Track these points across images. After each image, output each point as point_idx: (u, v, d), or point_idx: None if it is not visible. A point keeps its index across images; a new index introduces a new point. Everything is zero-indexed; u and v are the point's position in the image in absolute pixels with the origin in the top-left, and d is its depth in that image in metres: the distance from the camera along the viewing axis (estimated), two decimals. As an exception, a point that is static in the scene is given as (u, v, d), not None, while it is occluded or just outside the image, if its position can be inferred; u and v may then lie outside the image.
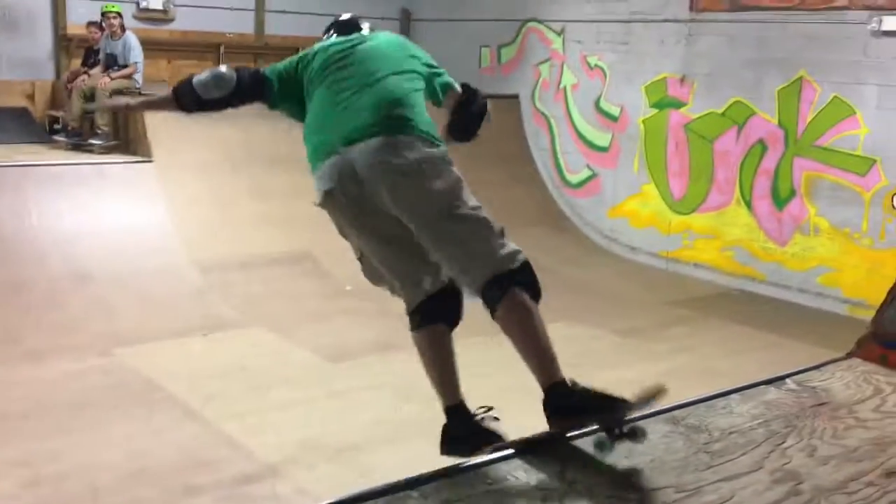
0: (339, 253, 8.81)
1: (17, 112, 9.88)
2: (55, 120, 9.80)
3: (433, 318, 3.25)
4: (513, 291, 2.90)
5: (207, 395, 5.81)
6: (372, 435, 5.27)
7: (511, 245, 3.01)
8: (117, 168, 8.51)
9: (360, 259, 3.42)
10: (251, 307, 7.68)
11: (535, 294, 2.99)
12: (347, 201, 3.14)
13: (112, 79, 8.84)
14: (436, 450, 4.96)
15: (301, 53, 3.54)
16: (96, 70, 9.18)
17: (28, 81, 10.08)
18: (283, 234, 8.89)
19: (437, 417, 5.62)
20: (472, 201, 3.09)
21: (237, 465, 4.84)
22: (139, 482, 4.63)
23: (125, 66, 8.93)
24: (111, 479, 4.62)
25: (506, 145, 11.44)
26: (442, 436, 3.30)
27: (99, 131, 8.86)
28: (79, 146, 8.97)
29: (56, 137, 9.28)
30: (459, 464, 2.41)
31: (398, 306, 8.09)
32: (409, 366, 6.52)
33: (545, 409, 2.80)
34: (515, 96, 11.78)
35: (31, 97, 10.11)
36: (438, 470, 2.33)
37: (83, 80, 9.07)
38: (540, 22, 11.48)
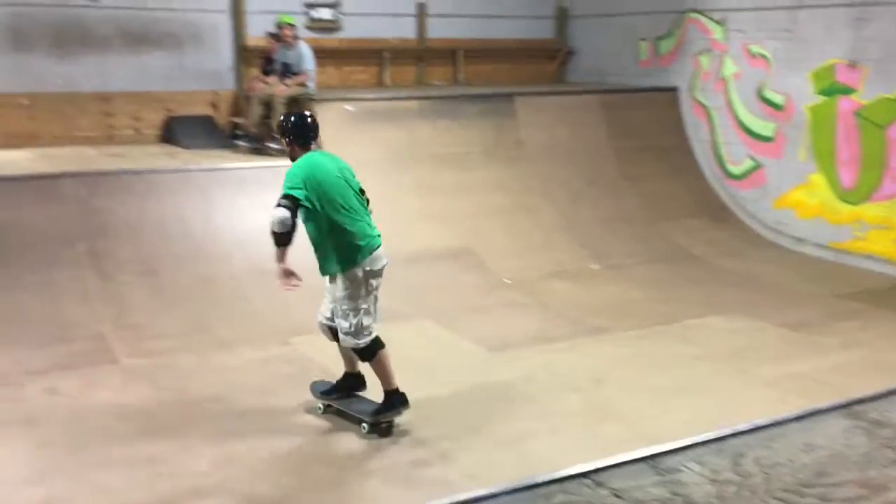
0: (497, 248, 9.16)
1: (202, 119, 10.67)
2: (236, 126, 10.52)
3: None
4: None
5: (374, 384, 6.11)
6: (535, 424, 5.44)
7: None
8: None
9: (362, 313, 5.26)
10: (417, 300, 8.00)
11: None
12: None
13: (287, 86, 9.41)
14: (600, 440, 5.11)
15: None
16: (273, 78, 9.79)
17: (211, 91, 10.88)
18: (446, 230, 9.21)
19: (598, 408, 5.74)
20: None
21: (408, 450, 5.12)
22: (319, 464, 4.98)
23: (299, 74, 9.47)
24: (295, 461, 5.01)
25: (665, 138, 11.34)
26: (394, 404, 5.36)
27: (276, 135, 9.44)
28: (258, 150, 9.60)
29: (237, 142, 9.96)
30: (632, 454, 2.53)
31: (555, 300, 8.26)
32: (569, 356, 6.71)
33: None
34: (674, 88, 11.64)
35: (214, 105, 10.89)
36: (610, 460, 2.45)
37: (261, 88, 9.71)
38: (699, 12, 11.28)
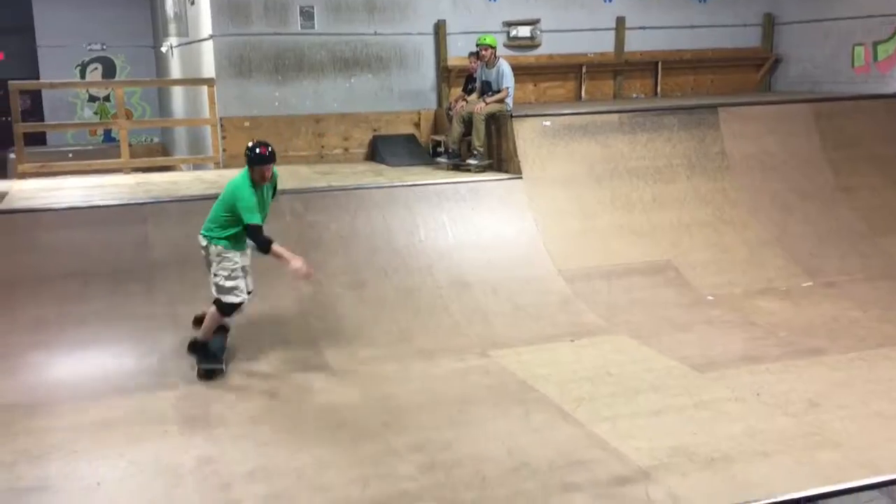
0: (699, 263, 8.89)
1: (405, 138, 11.10)
2: (438, 143, 10.85)
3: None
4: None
5: (578, 398, 6.13)
6: (744, 446, 5.24)
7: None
8: (491, 185, 9.23)
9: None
10: (615, 315, 7.93)
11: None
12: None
13: (487, 104, 9.61)
14: (810, 465, 4.83)
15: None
16: (473, 96, 10.03)
17: (415, 111, 11.30)
18: (645, 244, 9.05)
19: (814, 433, 5.44)
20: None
21: (611, 466, 5.07)
22: (521, 476, 5.02)
23: (498, 92, 9.65)
24: (496, 471, 5.07)
25: (883, 147, 10.59)
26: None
27: (475, 152, 9.67)
28: (458, 166, 9.86)
29: (438, 159, 10.27)
30: (862, 481, 2.39)
31: (762, 318, 7.94)
32: (780, 378, 6.40)
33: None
34: (895, 95, 10.84)
35: (416, 124, 11.31)
36: (838, 485, 2.32)
37: (461, 106, 9.96)
38: (923, 13, 10.49)
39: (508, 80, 9.65)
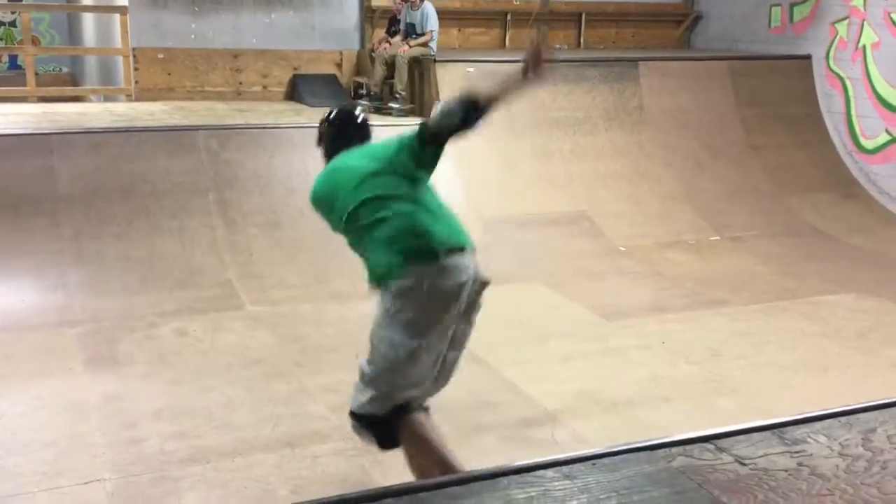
0: (613, 214, 9.05)
1: (327, 78, 10.89)
2: (360, 86, 10.68)
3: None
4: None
5: (489, 343, 6.16)
6: (647, 392, 5.43)
7: None
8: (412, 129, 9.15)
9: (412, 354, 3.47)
10: (530, 263, 8.03)
11: None
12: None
13: (410, 46, 9.49)
14: (709, 410, 5.03)
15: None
16: (396, 39, 9.89)
17: (337, 51, 11.08)
18: (562, 195, 9.17)
19: (713, 380, 5.66)
20: None
21: (519, 409, 5.20)
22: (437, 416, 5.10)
23: (423, 35, 9.54)
24: (408, 411, 5.15)
25: (793, 107, 10.91)
26: None
27: (397, 95, 9.58)
28: (380, 109, 9.75)
29: (360, 101, 10.14)
30: (757, 423, 2.48)
31: (671, 269, 8.15)
32: (684, 327, 6.62)
33: None
34: (808, 57, 11.15)
35: (339, 65, 11.09)
36: (734, 426, 2.41)
37: (385, 48, 9.82)
38: (839, -23, 10.76)
39: (433, 23, 9.55)
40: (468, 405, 5.21)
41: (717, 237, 9.09)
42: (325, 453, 4.60)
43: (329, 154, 4.04)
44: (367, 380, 3.56)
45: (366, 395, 3.54)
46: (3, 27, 16.18)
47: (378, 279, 3.54)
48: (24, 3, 15.53)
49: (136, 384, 5.42)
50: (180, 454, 4.51)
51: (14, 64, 15.85)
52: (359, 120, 4.19)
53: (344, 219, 3.68)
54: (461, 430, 4.89)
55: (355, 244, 3.74)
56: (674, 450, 2.34)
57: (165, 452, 4.55)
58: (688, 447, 2.35)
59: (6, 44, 16.00)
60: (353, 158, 3.82)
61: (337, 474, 4.40)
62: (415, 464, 3.54)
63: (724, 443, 2.33)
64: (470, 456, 4.55)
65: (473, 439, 4.81)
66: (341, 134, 4.06)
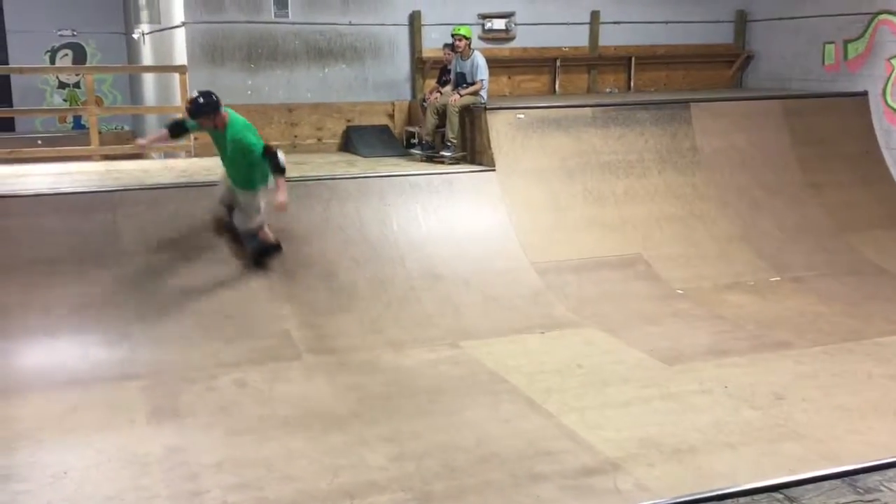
0: (669, 257, 8.96)
1: (379, 129, 11.06)
2: (412, 135, 10.83)
3: None
4: None
5: (547, 389, 6.17)
6: (711, 438, 5.30)
7: None
8: (464, 176, 9.23)
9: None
10: (585, 307, 7.98)
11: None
12: None
13: (461, 95, 9.60)
14: (775, 456, 4.89)
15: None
16: (447, 88, 10.01)
17: (389, 102, 11.27)
18: (616, 238, 9.12)
19: (779, 425, 5.51)
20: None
21: (579, 457, 5.11)
22: (490, 465, 5.04)
23: (473, 84, 9.64)
24: (465, 461, 5.09)
25: (851, 145, 10.74)
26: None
27: (449, 144, 9.67)
28: (431, 158, 9.84)
29: (412, 151, 10.25)
30: (827, 470, 2.41)
31: (730, 312, 8.03)
32: (745, 371, 6.48)
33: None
34: (864, 93, 10.99)
35: (391, 115, 11.27)
36: (804, 474, 2.35)
37: (436, 98, 9.95)
38: (892, 13, 10.61)
39: (483, 73, 9.65)
40: (525, 454, 5.16)
41: (778, 277, 8.91)
42: (384, 504, 4.58)
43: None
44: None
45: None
46: (68, 88, 16.78)
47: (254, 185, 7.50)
48: (88, 65, 16.14)
49: (197, 436, 5.48)
50: (241, 506, 4.53)
51: (78, 124, 16.41)
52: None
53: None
54: (518, 479, 4.86)
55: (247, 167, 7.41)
56: (741, 500, 2.30)
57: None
58: (756, 497, 2.30)
59: (71, 105, 16.57)
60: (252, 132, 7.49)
61: (396, 526, 4.37)
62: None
63: (793, 492, 2.29)
64: (529, 507, 4.52)
65: (532, 489, 4.76)
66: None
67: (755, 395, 5.99)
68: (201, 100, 7.30)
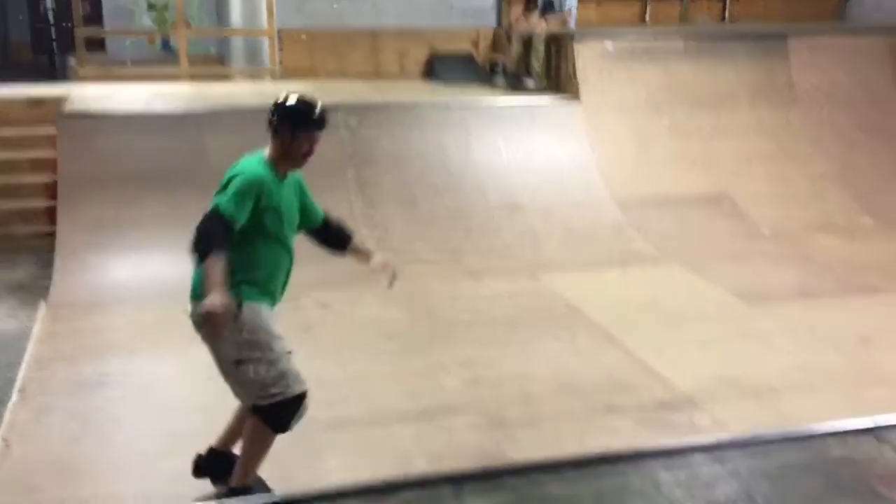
0: (757, 195, 8.70)
1: (463, 57, 10.95)
2: (495, 63, 10.69)
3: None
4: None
5: (626, 324, 6.12)
6: (792, 380, 5.20)
7: None
8: (547, 107, 9.09)
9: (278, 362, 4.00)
10: (667, 244, 7.84)
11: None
12: None
13: (548, 23, 9.39)
14: (859, 401, 4.78)
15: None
16: (535, 16, 9.79)
17: (474, 29, 11.10)
18: (702, 175, 8.88)
19: (864, 370, 5.37)
20: None
21: (656, 391, 5.08)
22: (566, 395, 5.05)
23: (561, 11, 9.42)
24: (541, 390, 5.12)
25: None
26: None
27: (533, 73, 9.51)
28: (515, 87, 9.71)
29: (495, 79, 10.12)
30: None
31: (820, 254, 7.74)
32: (833, 314, 6.31)
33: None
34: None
35: (475, 43, 11.13)
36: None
37: (522, 26, 9.75)
38: None
39: (571, 1, 9.41)
40: (602, 386, 5.16)
41: (871, 220, 8.59)
42: (459, 427, 4.65)
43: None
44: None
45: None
46: (154, 11, 16.97)
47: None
48: (176, -13, 16.26)
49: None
50: (324, 421, 4.64)
51: (166, 46, 16.62)
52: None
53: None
54: (593, 411, 4.86)
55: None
56: (829, 440, 2.26)
57: (309, 419, 4.71)
58: (845, 437, 2.26)
59: (159, 27, 16.77)
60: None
61: (471, 447, 4.44)
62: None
63: (887, 434, 2.23)
64: (602, 437, 4.53)
65: (607, 420, 4.75)
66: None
67: (841, 339, 5.84)
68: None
